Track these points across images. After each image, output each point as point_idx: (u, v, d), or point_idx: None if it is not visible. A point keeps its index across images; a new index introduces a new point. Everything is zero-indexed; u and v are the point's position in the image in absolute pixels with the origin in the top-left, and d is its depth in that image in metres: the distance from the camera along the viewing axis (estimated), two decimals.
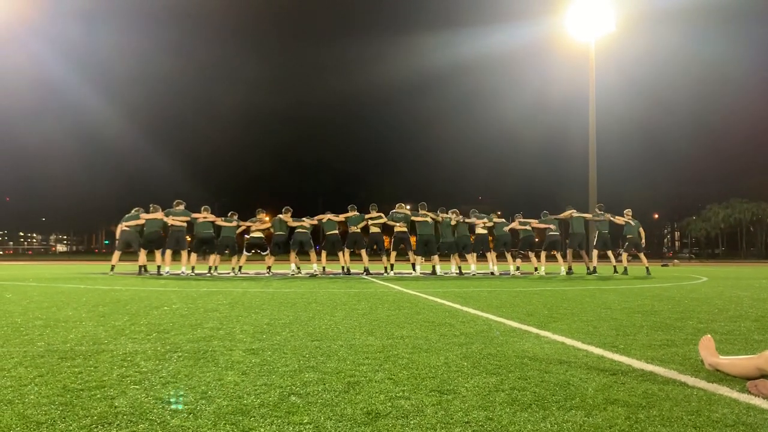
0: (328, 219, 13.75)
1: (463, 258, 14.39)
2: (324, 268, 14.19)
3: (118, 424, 1.82)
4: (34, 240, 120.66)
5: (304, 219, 13.83)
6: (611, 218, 15.39)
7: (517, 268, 14.87)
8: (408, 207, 14.80)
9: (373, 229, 13.93)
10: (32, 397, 2.13)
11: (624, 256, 15.33)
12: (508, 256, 14.87)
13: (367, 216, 13.91)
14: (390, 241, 14.35)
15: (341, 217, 13.88)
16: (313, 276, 12.63)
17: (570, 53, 41.57)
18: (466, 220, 14.49)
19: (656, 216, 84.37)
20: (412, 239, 14.25)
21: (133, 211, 13.42)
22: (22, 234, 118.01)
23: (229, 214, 14.03)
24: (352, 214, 13.93)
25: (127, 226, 13.12)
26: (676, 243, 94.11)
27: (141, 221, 13.03)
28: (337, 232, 13.88)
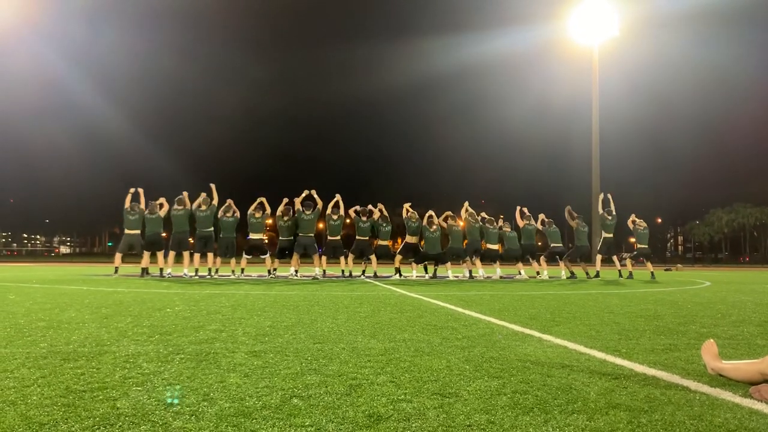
0: (332, 222, 13.74)
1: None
2: (324, 271, 14.15)
3: (120, 426, 1.83)
4: (38, 241, 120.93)
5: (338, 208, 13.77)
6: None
7: (519, 273, 14.84)
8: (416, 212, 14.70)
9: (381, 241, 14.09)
10: (35, 398, 2.14)
11: (628, 261, 15.14)
12: (519, 265, 14.93)
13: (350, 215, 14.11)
14: (393, 245, 14.39)
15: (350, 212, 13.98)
16: (315, 279, 12.63)
17: (573, 57, 41.67)
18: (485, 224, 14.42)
19: (659, 220, 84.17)
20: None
21: (128, 196, 13.09)
22: (25, 236, 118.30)
23: (227, 202, 13.60)
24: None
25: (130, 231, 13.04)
26: (679, 247, 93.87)
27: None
28: (339, 238, 13.88)
